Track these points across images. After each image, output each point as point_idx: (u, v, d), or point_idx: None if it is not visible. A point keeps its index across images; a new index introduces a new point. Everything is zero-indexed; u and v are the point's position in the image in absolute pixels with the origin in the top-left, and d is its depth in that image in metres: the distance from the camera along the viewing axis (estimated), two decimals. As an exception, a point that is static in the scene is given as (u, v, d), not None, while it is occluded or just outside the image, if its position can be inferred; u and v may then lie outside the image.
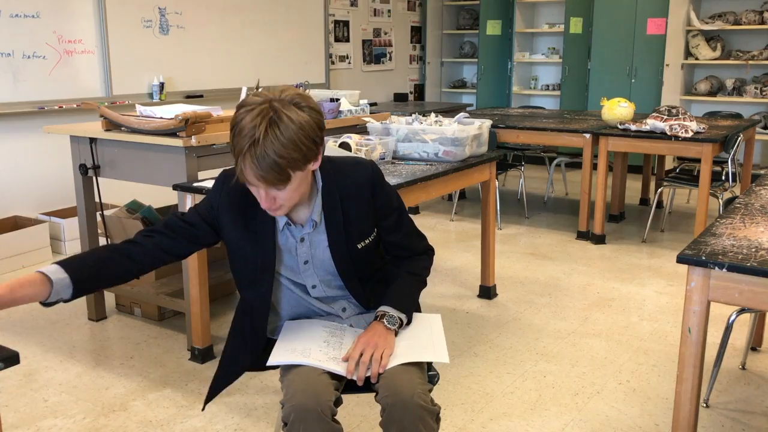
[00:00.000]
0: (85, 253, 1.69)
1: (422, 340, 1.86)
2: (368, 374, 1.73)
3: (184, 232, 1.79)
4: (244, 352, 1.91)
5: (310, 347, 1.78)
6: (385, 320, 1.82)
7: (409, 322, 1.91)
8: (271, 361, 1.73)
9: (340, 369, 1.73)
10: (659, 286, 4.10)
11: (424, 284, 1.97)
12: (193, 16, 5.63)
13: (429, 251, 2.00)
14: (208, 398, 1.95)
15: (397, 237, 1.91)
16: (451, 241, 5.03)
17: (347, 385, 1.82)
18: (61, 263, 1.63)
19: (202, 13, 5.69)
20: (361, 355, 1.73)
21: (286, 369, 1.75)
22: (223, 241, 1.86)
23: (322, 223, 1.80)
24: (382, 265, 1.99)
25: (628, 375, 2.99)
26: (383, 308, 1.85)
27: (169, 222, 1.80)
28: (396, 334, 1.84)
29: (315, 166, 1.67)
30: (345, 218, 1.80)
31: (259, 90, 1.62)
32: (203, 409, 2.38)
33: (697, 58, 7.01)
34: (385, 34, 8.01)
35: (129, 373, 3.00)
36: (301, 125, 1.56)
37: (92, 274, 1.65)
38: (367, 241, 1.85)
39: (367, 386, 1.78)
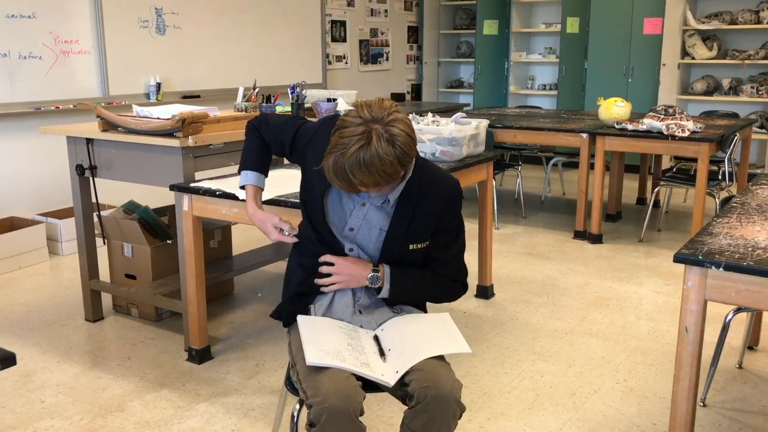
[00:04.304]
0: (258, 152, 2.14)
1: (440, 334, 1.90)
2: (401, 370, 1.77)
3: (281, 148, 2.13)
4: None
5: (340, 350, 1.80)
6: (371, 273, 1.91)
7: (389, 301, 1.98)
8: (309, 362, 1.74)
9: (374, 375, 1.75)
10: (656, 285, 4.11)
11: (436, 298, 2.05)
12: (190, 16, 5.63)
13: (463, 285, 2.05)
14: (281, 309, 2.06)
15: (440, 256, 1.97)
16: (448, 241, 5.03)
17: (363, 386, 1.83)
18: (253, 168, 2.12)
19: (198, 14, 5.69)
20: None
21: (312, 369, 1.74)
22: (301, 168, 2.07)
23: (393, 207, 1.89)
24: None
25: (625, 374, 2.99)
26: (385, 267, 1.93)
27: (279, 130, 2.12)
28: (367, 288, 1.94)
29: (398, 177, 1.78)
30: (413, 214, 1.89)
31: (349, 105, 1.77)
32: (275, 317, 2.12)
33: (693, 58, 7.02)
34: (382, 34, 8.01)
35: (126, 374, 3.00)
36: (387, 161, 1.68)
37: (267, 166, 2.18)
38: (419, 246, 1.93)
39: (378, 387, 1.84)
